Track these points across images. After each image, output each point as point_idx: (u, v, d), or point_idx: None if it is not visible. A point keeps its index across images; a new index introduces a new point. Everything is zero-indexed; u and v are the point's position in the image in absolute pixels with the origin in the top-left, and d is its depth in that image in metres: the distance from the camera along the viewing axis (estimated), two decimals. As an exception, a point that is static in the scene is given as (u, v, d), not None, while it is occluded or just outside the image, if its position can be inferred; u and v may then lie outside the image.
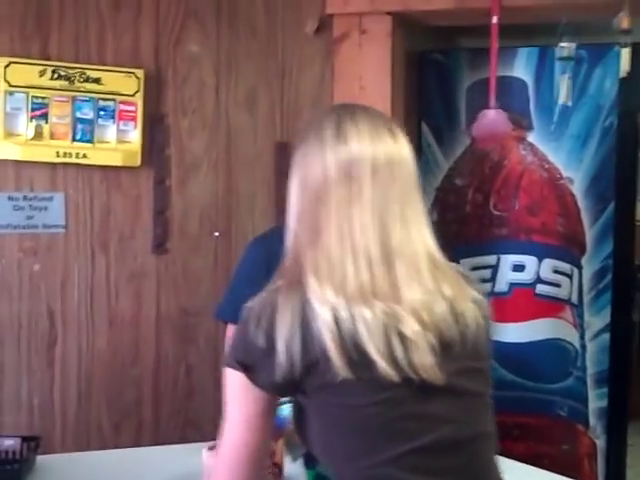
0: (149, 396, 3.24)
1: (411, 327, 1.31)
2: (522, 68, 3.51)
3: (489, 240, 3.61)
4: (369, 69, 3.23)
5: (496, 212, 3.60)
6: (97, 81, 3.00)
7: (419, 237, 1.39)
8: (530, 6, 3.06)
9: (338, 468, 1.37)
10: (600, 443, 3.53)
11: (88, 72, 2.99)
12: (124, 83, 3.04)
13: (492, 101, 3.12)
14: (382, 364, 1.29)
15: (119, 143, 3.06)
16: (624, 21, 2.86)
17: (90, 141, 3.02)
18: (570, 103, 3.06)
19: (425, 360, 1.31)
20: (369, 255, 1.34)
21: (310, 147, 1.41)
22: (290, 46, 3.27)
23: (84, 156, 3.01)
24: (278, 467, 1.97)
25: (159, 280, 3.22)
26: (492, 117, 3.16)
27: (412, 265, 1.36)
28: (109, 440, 3.20)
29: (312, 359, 1.30)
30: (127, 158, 3.08)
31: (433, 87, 3.64)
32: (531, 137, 3.53)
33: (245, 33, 3.23)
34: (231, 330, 2.38)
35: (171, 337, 3.25)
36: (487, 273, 3.60)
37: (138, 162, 3.09)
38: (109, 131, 3.05)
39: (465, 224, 3.64)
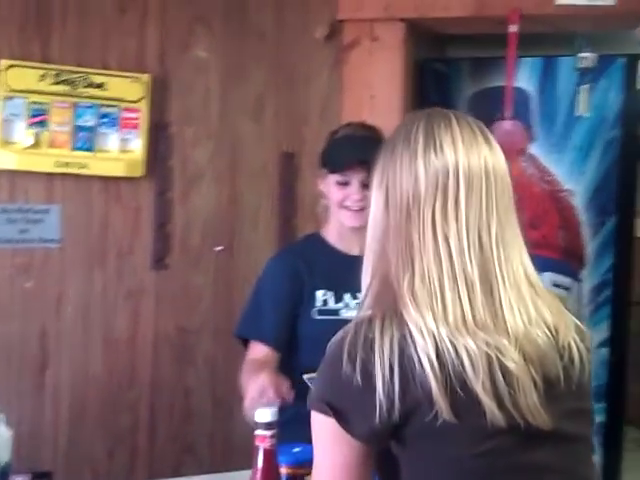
0: (145, 421, 3.06)
1: (515, 361, 1.18)
2: (525, 78, 3.44)
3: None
4: (380, 77, 3.12)
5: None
6: (100, 86, 2.81)
7: (518, 258, 1.27)
8: (549, 15, 2.98)
9: None
10: (596, 458, 3.52)
11: (91, 77, 2.80)
12: (128, 89, 2.85)
13: (508, 112, 3.03)
14: (490, 406, 1.16)
15: (121, 152, 2.88)
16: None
17: (91, 150, 2.83)
18: (587, 114, 2.99)
19: (530, 401, 1.18)
20: (469, 279, 1.22)
21: (399, 157, 1.28)
22: (299, 53, 3.13)
23: (84, 166, 2.82)
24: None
25: (157, 297, 3.04)
26: (508, 128, 3.08)
27: (514, 290, 1.24)
28: (102, 467, 3.01)
29: (413, 400, 1.16)
30: (129, 168, 2.89)
31: (434, 97, 3.54)
32: (533, 149, 3.47)
33: (253, 39, 3.08)
34: (253, 348, 2.26)
35: (169, 358, 3.08)
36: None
37: (140, 172, 2.92)
38: (111, 139, 2.86)
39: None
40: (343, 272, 2.24)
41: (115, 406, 3.01)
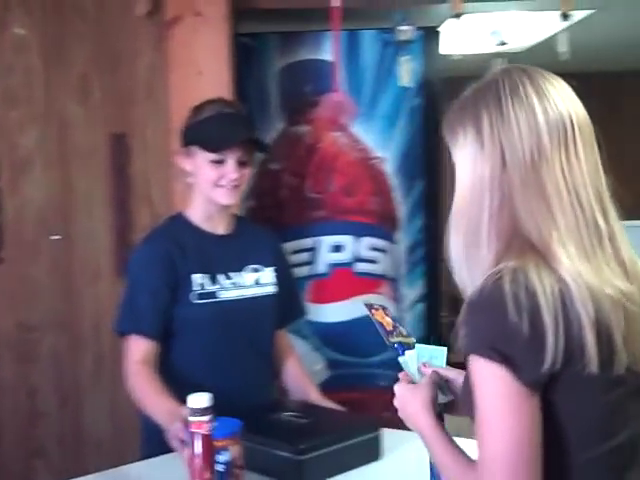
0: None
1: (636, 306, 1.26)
2: (331, 51, 3.56)
3: (307, 223, 3.64)
4: (205, 54, 3.07)
5: (312, 195, 3.63)
6: None
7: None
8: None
9: None
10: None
11: None
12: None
13: (336, 84, 3.13)
14: (622, 356, 1.23)
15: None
16: (457, 4, 3.01)
17: None
18: (410, 84, 3.16)
19: (637, 349, 1.26)
20: (600, 229, 1.27)
21: (512, 115, 1.29)
22: (121, 30, 3.02)
23: None
24: (239, 468, 1.86)
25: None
26: (337, 100, 3.18)
27: (622, 238, 1.31)
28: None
29: (570, 349, 1.20)
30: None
31: (246, 72, 3.56)
32: (338, 119, 3.60)
33: (74, 16, 2.93)
34: (133, 343, 2.19)
35: (9, 356, 2.88)
36: (307, 256, 3.63)
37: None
38: None
39: (282, 208, 3.63)
40: (214, 253, 2.29)
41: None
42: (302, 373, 2.52)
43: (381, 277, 3.68)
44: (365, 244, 3.66)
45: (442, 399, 1.51)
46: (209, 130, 2.24)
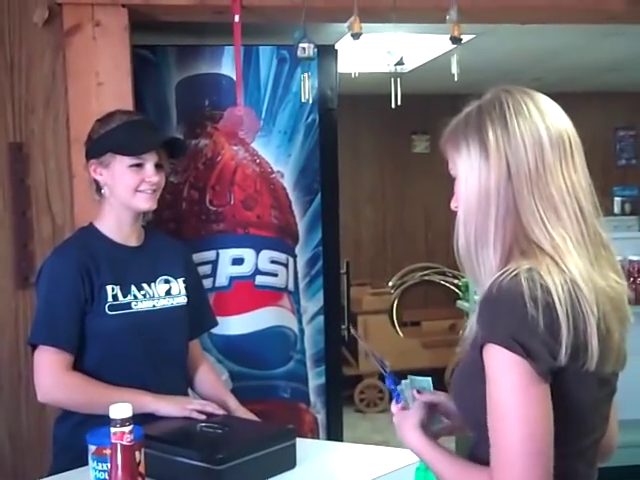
0: None
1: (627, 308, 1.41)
2: (229, 66, 3.57)
3: (207, 236, 3.63)
4: (105, 64, 3.03)
5: (212, 207, 3.63)
6: None
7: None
8: (268, 6, 3.14)
9: None
10: (320, 417, 3.78)
11: None
12: None
13: (239, 98, 3.14)
14: (613, 359, 1.35)
15: None
16: (355, 25, 3.08)
17: None
18: (311, 100, 3.21)
19: (622, 349, 1.39)
20: (595, 231, 1.39)
21: (517, 130, 1.38)
22: (19, 37, 2.94)
23: None
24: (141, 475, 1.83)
25: None
26: (240, 114, 3.20)
27: (611, 244, 1.42)
28: None
29: (577, 344, 1.29)
30: None
31: (143, 83, 3.53)
32: (242, 133, 3.62)
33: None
34: (43, 353, 2.16)
35: None
36: (207, 269, 3.62)
37: None
38: None
39: (182, 221, 3.61)
40: (126, 264, 2.29)
41: None
42: (217, 380, 2.53)
43: (281, 290, 3.70)
44: (265, 257, 3.67)
45: (436, 427, 1.62)
46: (125, 136, 2.24)
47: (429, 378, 1.64)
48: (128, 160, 2.21)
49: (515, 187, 1.38)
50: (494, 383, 1.29)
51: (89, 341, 2.20)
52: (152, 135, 2.29)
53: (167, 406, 2.17)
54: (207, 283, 3.56)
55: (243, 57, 3.55)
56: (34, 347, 2.21)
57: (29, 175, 2.96)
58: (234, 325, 3.63)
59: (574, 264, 1.32)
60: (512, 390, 1.27)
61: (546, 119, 1.40)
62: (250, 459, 2.02)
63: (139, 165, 2.22)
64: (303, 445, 2.17)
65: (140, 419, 1.79)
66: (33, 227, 2.95)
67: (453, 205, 1.47)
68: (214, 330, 3.44)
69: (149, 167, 2.23)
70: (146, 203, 2.26)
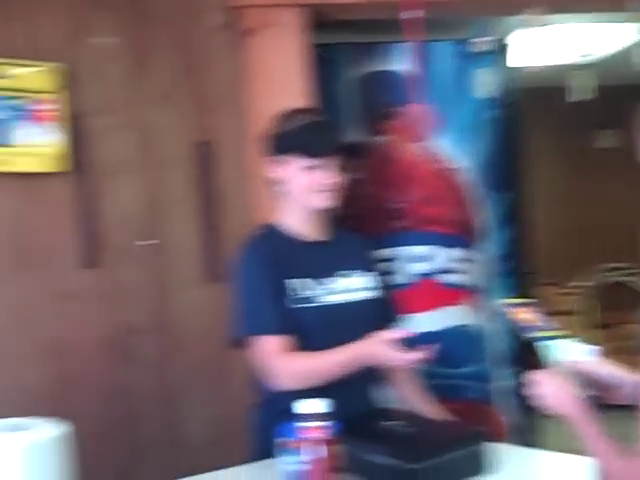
0: (91, 428, 2.73)
1: None
2: (405, 62, 3.50)
3: (388, 233, 3.58)
4: (281, 64, 3.09)
5: (393, 205, 3.58)
6: (9, 77, 2.59)
7: None
8: (444, 1, 3.07)
9: None
10: (509, 420, 3.65)
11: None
12: (37, 79, 2.66)
13: (417, 95, 3.08)
14: None
15: (37, 147, 2.67)
16: (535, 17, 2.95)
17: (3, 145, 2.60)
18: (488, 95, 3.11)
19: None
20: None
21: None
22: (198, 41, 3.04)
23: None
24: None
25: (91, 296, 2.86)
26: (419, 111, 3.14)
27: None
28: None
29: None
30: (48, 163, 2.71)
31: (319, 82, 3.54)
32: (421, 130, 3.55)
33: (157, 26, 2.96)
34: (266, 342, 2.17)
35: (106, 358, 2.87)
36: (387, 266, 3.57)
37: (61, 167, 2.74)
38: (23, 133, 2.65)
39: (362, 219, 3.57)
40: (307, 259, 2.28)
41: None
42: (413, 381, 2.49)
43: (466, 288, 3.60)
44: (449, 255, 3.59)
45: (585, 393, 1.58)
46: (302, 137, 2.23)
47: (590, 346, 1.61)
48: (304, 162, 2.21)
49: None
50: None
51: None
52: (329, 137, 2.27)
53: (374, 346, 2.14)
54: (387, 281, 3.52)
55: (420, 53, 3.51)
56: (239, 342, 2.23)
57: (215, 172, 3.03)
58: (416, 323, 3.55)
59: None
60: None
61: None
62: (444, 460, 1.97)
63: (315, 167, 2.21)
64: (492, 449, 2.08)
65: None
66: (218, 223, 3.02)
67: None
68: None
69: (325, 169, 2.22)
70: (323, 202, 2.26)
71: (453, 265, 3.60)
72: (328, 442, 1.75)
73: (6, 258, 2.71)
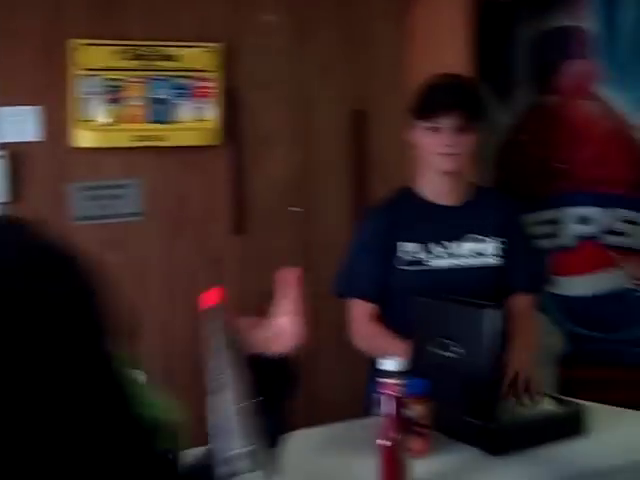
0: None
1: None
2: (586, 17, 3.38)
3: (554, 194, 3.53)
4: (446, 25, 3.07)
5: (559, 165, 3.51)
6: (173, 58, 2.81)
7: None
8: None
9: None
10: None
11: (163, 50, 2.80)
12: (200, 58, 2.85)
13: (578, 51, 2.99)
14: None
15: (196, 122, 2.89)
16: None
17: (166, 122, 2.84)
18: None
19: None
20: None
21: None
22: (364, 8, 3.08)
23: (160, 138, 2.82)
24: (425, 427, 1.91)
25: (238, 262, 3.06)
26: (579, 68, 3.05)
27: None
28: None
29: None
30: (205, 137, 2.92)
31: (497, 39, 3.48)
32: (591, 86, 3.43)
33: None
34: (354, 305, 2.32)
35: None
36: (550, 228, 3.54)
37: (216, 140, 2.94)
38: (185, 110, 2.87)
39: (529, 179, 3.54)
40: (433, 222, 2.33)
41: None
42: (521, 330, 2.37)
43: (632, 250, 3.50)
44: (615, 216, 3.48)
45: None
46: (422, 99, 2.29)
47: None
48: (423, 123, 2.27)
49: None
50: None
51: (387, 298, 2.32)
52: (447, 98, 2.28)
53: None
54: (548, 243, 3.49)
55: (605, 7, 3.35)
56: (339, 295, 2.41)
57: (368, 140, 3.10)
58: (577, 286, 3.52)
59: None
60: None
61: None
62: (531, 421, 2.03)
63: (435, 129, 2.25)
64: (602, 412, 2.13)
65: None
66: (370, 190, 3.10)
67: None
68: (555, 290, 3.40)
69: (445, 130, 2.25)
70: (446, 165, 2.29)
71: (620, 226, 3.49)
72: (415, 400, 1.84)
73: (165, 226, 2.95)
